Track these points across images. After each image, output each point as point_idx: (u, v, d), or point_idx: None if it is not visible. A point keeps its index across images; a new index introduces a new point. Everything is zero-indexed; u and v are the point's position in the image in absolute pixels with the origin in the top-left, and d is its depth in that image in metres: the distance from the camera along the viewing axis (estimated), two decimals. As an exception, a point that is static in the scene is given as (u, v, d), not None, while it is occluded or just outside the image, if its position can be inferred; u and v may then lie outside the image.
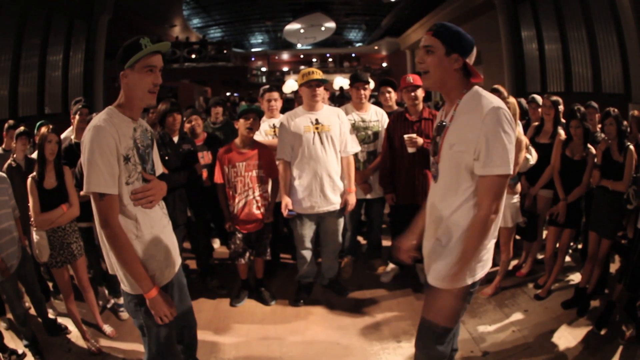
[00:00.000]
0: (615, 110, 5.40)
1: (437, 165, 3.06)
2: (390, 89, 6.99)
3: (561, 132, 5.96)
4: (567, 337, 5.00)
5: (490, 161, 2.69)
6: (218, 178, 5.74)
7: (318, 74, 5.48)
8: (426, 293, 3.25)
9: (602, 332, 5.07)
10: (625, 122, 5.45)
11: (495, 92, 6.41)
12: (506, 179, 2.77)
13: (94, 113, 5.22)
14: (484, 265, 3.05)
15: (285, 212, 5.58)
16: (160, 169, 3.53)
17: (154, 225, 3.22)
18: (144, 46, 2.96)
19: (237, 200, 5.70)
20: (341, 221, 5.95)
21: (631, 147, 5.30)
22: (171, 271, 3.40)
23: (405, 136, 5.68)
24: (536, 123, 6.53)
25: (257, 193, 5.72)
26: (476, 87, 2.92)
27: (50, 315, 5.50)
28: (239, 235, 5.81)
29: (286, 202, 5.57)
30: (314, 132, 5.51)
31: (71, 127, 6.43)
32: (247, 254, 5.90)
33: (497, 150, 2.68)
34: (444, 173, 3.01)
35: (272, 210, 5.90)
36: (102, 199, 2.86)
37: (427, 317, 3.19)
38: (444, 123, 3.03)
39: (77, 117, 6.13)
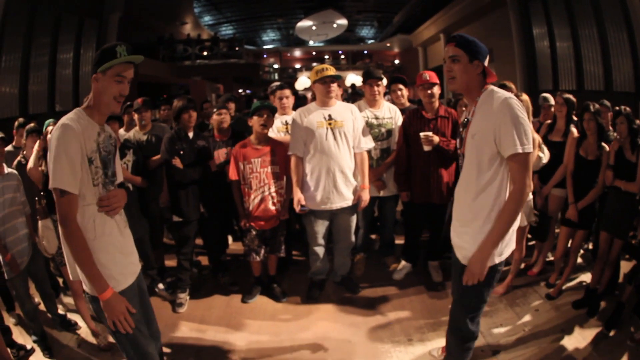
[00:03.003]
0: (627, 108, 5.35)
1: (462, 156, 3.50)
2: (401, 86, 6.97)
3: (574, 130, 5.91)
4: (577, 338, 4.99)
5: (512, 142, 3.07)
6: (233, 175, 5.74)
7: (332, 70, 5.47)
8: (456, 272, 3.65)
9: (612, 334, 5.04)
10: (637, 121, 5.41)
11: (505, 88, 6.42)
12: (529, 155, 3.14)
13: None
14: (509, 244, 3.41)
15: (297, 208, 5.56)
16: (120, 177, 3.51)
17: (113, 227, 3.22)
18: (119, 54, 3.02)
19: (252, 197, 5.71)
20: (354, 218, 5.93)
21: None
22: (132, 273, 3.38)
23: (422, 134, 5.65)
24: (549, 121, 6.47)
25: (272, 189, 5.73)
26: (491, 86, 3.36)
27: (60, 311, 5.55)
28: (254, 233, 5.81)
29: (299, 197, 5.55)
30: (327, 128, 5.51)
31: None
32: (262, 251, 5.90)
33: (514, 132, 3.07)
34: (468, 161, 3.40)
35: (287, 207, 5.90)
36: (62, 196, 2.88)
37: (460, 289, 3.58)
38: (468, 119, 3.46)
39: None
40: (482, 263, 3.29)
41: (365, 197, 5.72)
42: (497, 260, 3.36)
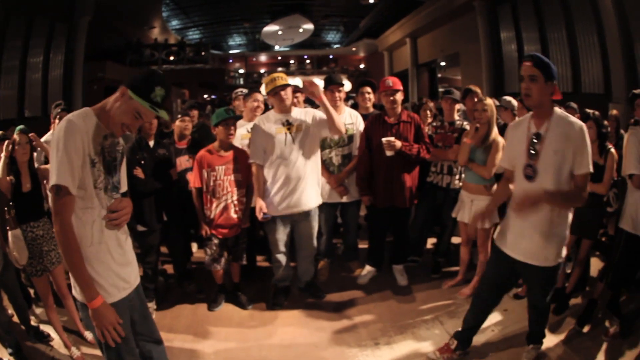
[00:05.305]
0: (596, 112, 5.41)
1: (534, 167, 3.90)
2: (369, 90, 7.00)
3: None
4: (549, 336, 4.95)
5: (587, 163, 3.73)
6: (196, 182, 5.71)
7: (280, 80, 5.50)
8: (531, 275, 4.20)
9: (585, 330, 5.14)
10: (606, 122, 5.47)
11: (470, 92, 6.49)
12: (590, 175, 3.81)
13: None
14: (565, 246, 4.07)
15: (259, 215, 5.56)
16: (125, 186, 3.31)
17: (111, 237, 3.05)
18: (154, 98, 2.88)
19: (215, 205, 5.67)
20: (315, 225, 5.95)
21: (612, 150, 5.31)
22: (124, 287, 3.17)
23: (384, 139, 5.73)
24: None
25: (235, 197, 5.70)
26: (559, 109, 3.94)
27: (33, 322, 5.46)
28: (215, 241, 5.78)
29: (260, 205, 5.56)
30: (286, 134, 5.54)
31: (51, 131, 6.35)
32: (223, 260, 5.87)
33: (589, 156, 3.72)
34: (545, 173, 3.85)
35: (248, 215, 5.89)
36: (58, 194, 2.73)
37: (540, 285, 4.26)
38: (539, 133, 3.89)
39: (57, 121, 6.12)
40: (536, 202, 3.87)
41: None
42: (560, 260, 4.04)
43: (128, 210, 3.13)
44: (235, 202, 5.72)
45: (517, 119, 6.45)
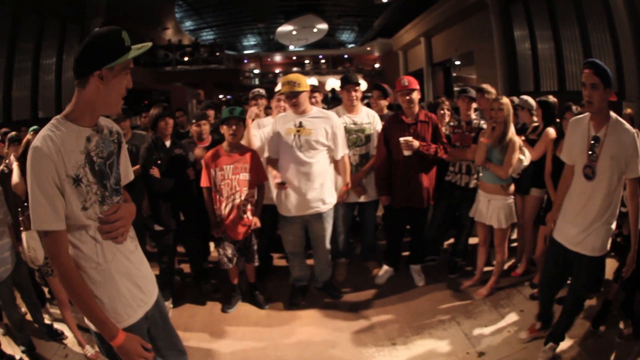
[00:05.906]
0: None
1: (593, 169, 4.12)
2: (378, 94, 7.09)
3: (549, 130, 5.87)
4: (564, 337, 4.95)
5: (637, 169, 3.98)
6: (205, 181, 5.71)
7: (291, 86, 5.41)
8: (581, 265, 4.42)
9: (599, 331, 5.07)
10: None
11: (480, 91, 6.44)
12: None
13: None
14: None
15: (274, 182, 5.49)
16: (128, 176, 3.06)
17: (117, 252, 2.76)
18: (127, 43, 2.57)
19: (223, 205, 5.66)
20: (328, 226, 5.90)
21: None
22: (145, 302, 2.95)
23: (401, 139, 5.70)
24: (535, 124, 6.46)
25: (243, 197, 5.67)
26: (614, 114, 4.11)
27: (47, 320, 5.48)
28: (226, 242, 5.77)
29: (274, 174, 5.55)
30: (295, 135, 5.52)
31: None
32: (235, 259, 5.86)
33: (638, 162, 3.96)
34: (602, 175, 4.08)
35: (259, 215, 5.86)
36: (46, 235, 2.50)
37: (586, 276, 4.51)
38: (598, 137, 4.09)
39: None
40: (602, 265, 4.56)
41: (344, 196, 5.87)
42: (605, 252, 4.36)
43: (124, 222, 2.79)
44: (244, 202, 5.69)
45: (533, 118, 6.44)
